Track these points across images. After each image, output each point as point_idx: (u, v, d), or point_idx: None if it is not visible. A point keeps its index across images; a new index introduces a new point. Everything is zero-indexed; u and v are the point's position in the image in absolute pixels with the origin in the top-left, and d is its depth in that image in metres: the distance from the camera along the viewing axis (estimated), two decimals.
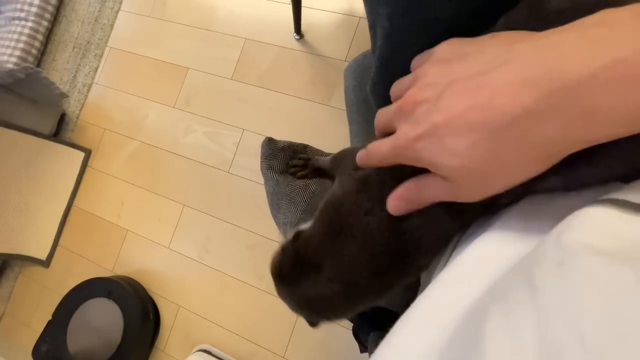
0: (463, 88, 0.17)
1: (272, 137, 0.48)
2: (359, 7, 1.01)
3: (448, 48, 0.21)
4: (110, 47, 1.21)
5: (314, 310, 0.28)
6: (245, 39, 1.08)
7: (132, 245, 1.06)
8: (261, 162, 0.47)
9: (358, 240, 0.24)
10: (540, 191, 0.19)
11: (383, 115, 0.23)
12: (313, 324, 0.32)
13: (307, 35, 1.03)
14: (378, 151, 0.22)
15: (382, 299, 0.26)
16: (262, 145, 0.48)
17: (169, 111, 1.11)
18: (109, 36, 1.21)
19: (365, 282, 0.25)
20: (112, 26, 1.22)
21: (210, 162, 1.04)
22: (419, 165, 0.20)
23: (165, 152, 1.08)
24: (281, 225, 0.44)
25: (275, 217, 0.45)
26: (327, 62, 1.01)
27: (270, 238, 0.96)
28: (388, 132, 0.22)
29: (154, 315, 0.96)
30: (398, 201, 0.22)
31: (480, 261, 0.18)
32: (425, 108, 0.18)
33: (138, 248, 1.05)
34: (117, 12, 1.22)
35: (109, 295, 0.93)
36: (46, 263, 1.10)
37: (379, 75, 0.30)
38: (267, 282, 0.94)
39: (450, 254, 0.24)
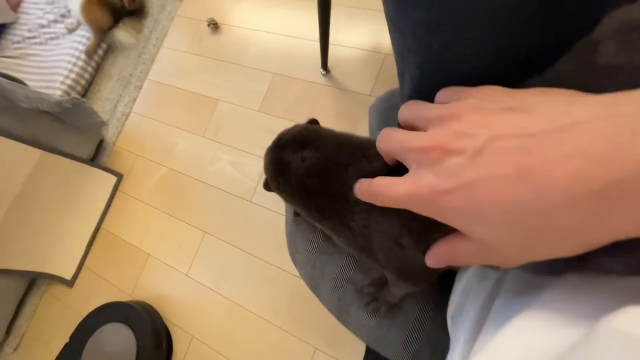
0: (508, 148, 0.15)
1: None
2: (385, 43, 1.03)
3: (489, 94, 0.18)
4: (150, 80, 1.30)
5: None
6: (274, 73, 1.12)
7: (152, 270, 1.07)
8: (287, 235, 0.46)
9: None
10: (594, 268, 0.17)
11: (393, 144, 0.20)
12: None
13: (334, 71, 1.06)
14: (389, 192, 0.19)
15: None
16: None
17: (197, 140, 1.15)
18: (149, 69, 1.31)
19: None
20: (152, 61, 1.31)
21: (233, 190, 1.06)
22: (439, 220, 0.18)
23: (191, 179, 1.11)
24: (300, 267, 0.42)
25: (294, 259, 0.44)
26: (352, 97, 1.02)
27: (287, 270, 0.94)
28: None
29: (167, 345, 0.94)
30: (434, 261, 0.21)
31: (521, 348, 0.16)
32: (458, 160, 0.16)
33: (158, 273, 1.06)
34: (158, 48, 1.32)
35: (125, 320, 0.92)
36: (71, 283, 1.12)
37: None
38: (283, 317, 0.90)
39: (479, 323, 0.22)
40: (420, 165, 0.18)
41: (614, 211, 0.12)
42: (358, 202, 0.23)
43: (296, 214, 0.40)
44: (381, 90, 1.00)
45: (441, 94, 0.21)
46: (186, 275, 1.02)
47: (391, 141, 0.20)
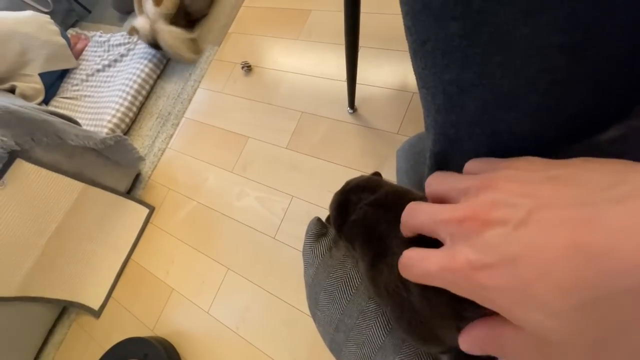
0: (559, 219, 0.13)
1: (321, 215, 0.46)
2: (412, 82, 1.03)
3: (527, 164, 0.17)
4: (186, 117, 1.38)
5: None
6: (302, 112, 1.15)
7: (175, 305, 1.06)
8: (304, 244, 0.44)
9: None
10: None
11: (422, 218, 0.18)
12: None
13: (360, 109, 1.07)
14: (420, 266, 0.17)
15: None
16: (309, 225, 0.45)
17: (226, 175, 1.18)
18: (186, 108, 1.39)
19: None
20: (190, 100, 1.40)
21: (258, 226, 1.05)
22: (477, 301, 0.15)
23: (218, 214, 1.13)
24: (320, 324, 0.39)
25: (313, 315, 0.40)
26: (379, 135, 1.01)
27: (307, 314, 0.89)
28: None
29: None
30: (470, 345, 0.17)
31: None
32: (499, 232, 0.14)
33: (180, 309, 1.05)
34: (196, 89, 1.41)
35: (144, 358, 0.91)
36: (98, 314, 1.14)
37: None
38: None
39: None
40: (455, 239, 0.16)
41: None
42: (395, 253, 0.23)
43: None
44: (409, 128, 0.99)
45: (471, 165, 0.19)
46: (207, 312, 1.01)
47: (419, 215, 0.19)
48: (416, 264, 0.17)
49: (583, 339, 0.12)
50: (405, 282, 0.23)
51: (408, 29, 0.20)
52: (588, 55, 0.15)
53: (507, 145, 0.20)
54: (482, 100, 0.18)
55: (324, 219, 0.45)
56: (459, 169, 0.23)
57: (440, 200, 0.19)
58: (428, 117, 0.24)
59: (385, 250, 0.25)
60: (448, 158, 0.23)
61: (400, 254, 0.20)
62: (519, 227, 0.13)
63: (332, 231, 0.43)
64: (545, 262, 0.12)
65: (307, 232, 0.44)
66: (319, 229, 0.43)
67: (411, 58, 0.22)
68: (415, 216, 0.19)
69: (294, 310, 0.91)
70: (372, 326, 0.35)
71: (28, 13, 1.48)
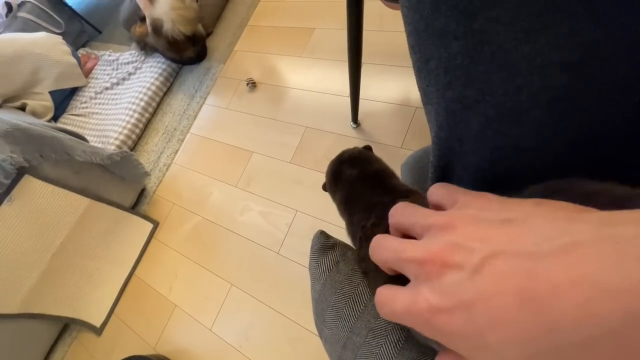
0: (508, 268, 0.13)
1: (325, 229, 0.45)
2: (415, 97, 1.04)
3: (486, 203, 0.17)
4: (191, 133, 1.40)
5: None
6: (306, 127, 1.16)
7: (177, 322, 1.05)
8: (310, 258, 0.44)
9: None
10: None
11: (387, 255, 0.19)
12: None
13: (364, 124, 1.08)
14: (391, 306, 0.18)
15: None
16: (313, 239, 0.45)
17: (231, 190, 1.18)
18: (192, 124, 1.42)
19: None
20: (195, 116, 1.43)
21: (262, 241, 1.05)
22: (442, 343, 0.16)
23: (222, 229, 1.13)
24: (327, 342, 0.38)
25: (320, 332, 0.40)
26: (383, 149, 1.02)
27: (313, 332, 0.87)
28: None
29: None
30: None
31: None
32: (456, 276, 0.15)
33: (182, 326, 1.04)
34: (201, 106, 1.44)
35: None
36: (99, 331, 1.13)
37: None
38: None
39: None
40: (418, 279, 0.17)
41: (635, 354, 0.10)
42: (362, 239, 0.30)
43: (364, 273, 0.38)
44: (412, 143, 0.99)
45: (434, 191, 0.20)
46: (210, 330, 0.99)
47: (385, 251, 0.19)
48: (387, 303, 0.18)
49: None
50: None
51: (412, 47, 0.20)
52: (590, 73, 0.15)
53: (510, 160, 0.20)
54: (485, 116, 0.19)
55: (329, 232, 0.44)
56: (461, 183, 0.23)
57: (404, 231, 0.20)
58: (432, 132, 0.25)
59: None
60: (451, 172, 0.23)
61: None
62: (474, 273, 0.14)
63: (339, 244, 0.42)
64: (497, 311, 0.13)
65: (312, 247, 0.44)
66: (323, 243, 0.43)
67: (415, 76, 0.22)
68: (380, 252, 0.20)
69: (299, 327, 0.89)
70: (382, 345, 0.34)
71: (41, 34, 1.54)
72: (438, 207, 0.21)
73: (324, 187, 0.45)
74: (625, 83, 0.15)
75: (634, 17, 0.14)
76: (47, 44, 1.50)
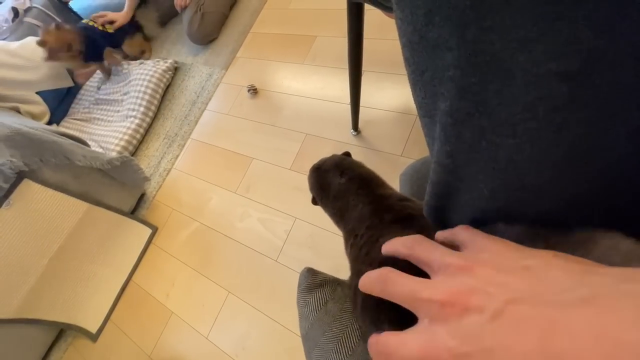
0: (529, 315, 0.14)
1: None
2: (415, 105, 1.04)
3: (502, 250, 0.18)
4: (192, 139, 1.40)
5: None
6: (306, 134, 1.16)
7: (174, 329, 1.04)
8: (297, 296, 0.43)
9: None
10: None
11: (402, 291, 0.19)
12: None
13: (364, 132, 1.07)
14: (401, 352, 0.17)
15: None
16: (300, 277, 0.44)
17: (230, 196, 1.18)
18: (192, 130, 1.42)
19: None
20: (196, 122, 1.43)
21: (260, 248, 1.04)
22: None
23: (220, 235, 1.12)
24: None
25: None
26: (383, 157, 1.01)
27: None
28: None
29: None
30: None
31: None
32: (475, 319, 0.15)
33: (178, 333, 1.02)
34: (202, 111, 1.44)
35: None
36: (95, 337, 1.12)
37: (432, 210, 0.26)
38: None
39: None
40: (434, 321, 0.16)
41: None
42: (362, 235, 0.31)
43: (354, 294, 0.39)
44: (413, 150, 0.99)
45: (459, 232, 0.21)
46: (206, 338, 0.98)
47: (398, 287, 0.19)
48: (395, 351, 0.17)
49: None
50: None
51: (407, 60, 0.20)
52: (591, 81, 0.15)
53: (507, 175, 0.19)
54: (479, 127, 0.18)
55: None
56: (458, 200, 0.23)
57: (418, 264, 0.20)
58: (428, 145, 0.24)
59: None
60: (448, 188, 0.23)
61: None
62: (494, 317, 0.14)
63: (328, 280, 0.41)
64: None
65: (299, 285, 0.43)
66: (311, 281, 0.41)
67: (411, 88, 0.21)
68: (395, 286, 0.19)
69: (296, 337, 0.88)
70: None
71: (28, 39, 1.54)
72: (453, 247, 0.21)
73: (314, 202, 0.45)
74: (628, 90, 0.15)
75: (637, 21, 0.13)
76: (30, 47, 1.50)
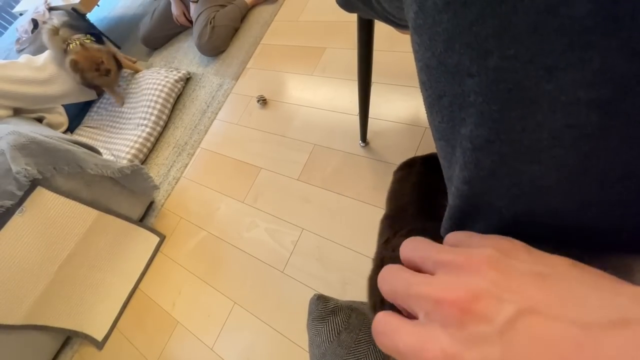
0: (550, 332, 0.12)
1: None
2: (424, 117, 1.03)
3: (511, 248, 0.16)
4: (201, 148, 1.42)
5: None
6: (314, 144, 1.16)
7: (179, 339, 1.03)
8: (308, 324, 0.40)
9: None
10: None
11: (398, 285, 0.17)
12: None
13: (373, 143, 1.07)
14: (391, 338, 0.16)
15: None
16: (310, 304, 0.42)
17: (238, 206, 1.18)
18: (202, 139, 1.43)
19: None
20: (206, 131, 1.45)
21: (266, 259, 1.03)
22: None
23: (227, 245, 1.12)
24: None
25: None
26: (391, 168, 1.00)
27: None
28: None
29: None
30: None
31: None
32: (483, 329, 0.13)
33: (183, 343, 1.02)
34: (212, 120, 1.46)
35: None
36: (101, 345, 1.12)
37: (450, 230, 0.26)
38: None
39: None
40: (430, 318, 0.15)
41: None
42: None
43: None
44: None
45: (450, 237, 0.19)
46: (211, 349, 0.97)
47: (394, 281, 0.17)
48: (388, 334, 0.16)
49: None
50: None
51: (423, 84, 0.20)
52: (623, 109, 0.14)
53: (530, 199, 0.19)
54: (499, 155, 0.18)
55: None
56: (477, 222, 0.22)
57: (414, 268, 0.18)
58: (444, 169, 0.23)
59: None
60: (463, 213, 0.22)
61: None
62: (505, 330, 0.13)
63: (341, 307, 0.39)
64: None
65: (310, 312, 0.40)
66: (322, 309, 0.39)
67: (427, 111, 0.21)
68: (390, 281, 0.18)
69: (302, 351, 0.86)
70: None
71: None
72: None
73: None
74: None
75: None
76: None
